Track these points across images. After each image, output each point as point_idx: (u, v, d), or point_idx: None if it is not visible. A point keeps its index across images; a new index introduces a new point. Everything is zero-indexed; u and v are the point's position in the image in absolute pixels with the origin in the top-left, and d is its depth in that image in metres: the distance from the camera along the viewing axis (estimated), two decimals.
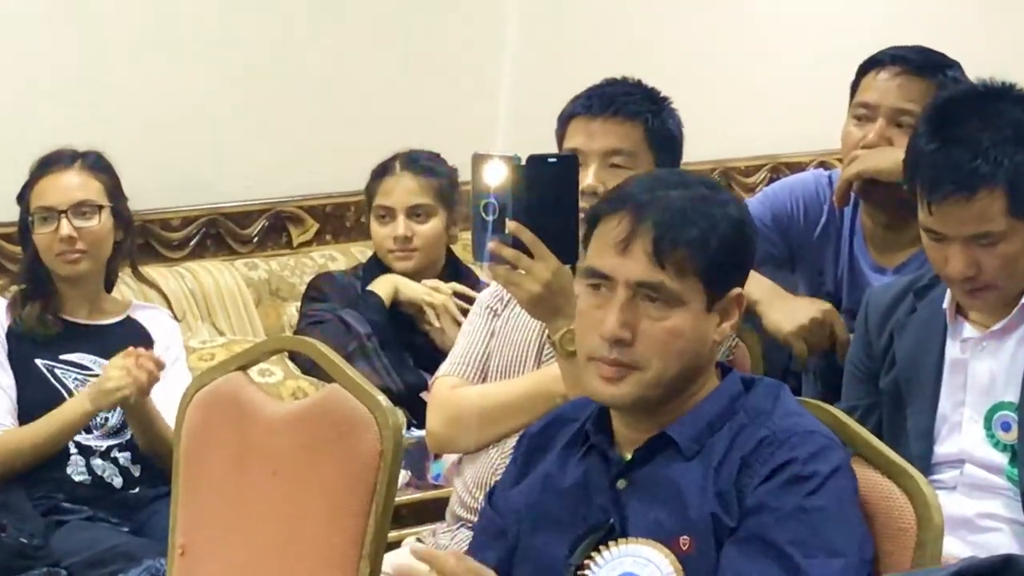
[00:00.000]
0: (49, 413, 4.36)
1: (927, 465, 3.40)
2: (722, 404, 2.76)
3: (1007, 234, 3.34)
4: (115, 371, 4.29)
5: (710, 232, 2.73)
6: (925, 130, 3.48)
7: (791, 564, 2.56)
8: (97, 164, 4.61)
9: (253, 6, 5.93)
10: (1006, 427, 3.46)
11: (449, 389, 3.73)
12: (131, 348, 4.34)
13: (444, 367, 3.83)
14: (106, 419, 4.45)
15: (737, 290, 2.80)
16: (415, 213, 5.00)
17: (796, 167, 5.28)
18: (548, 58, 6.12)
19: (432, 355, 4.34)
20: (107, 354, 4.43)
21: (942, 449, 3.51)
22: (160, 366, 4.33)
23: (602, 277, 2.72)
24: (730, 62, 6.79)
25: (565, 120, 3.79)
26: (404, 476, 3.88)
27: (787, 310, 4.02)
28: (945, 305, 3.51)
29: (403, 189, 5.04)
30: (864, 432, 2.87)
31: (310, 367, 4.24)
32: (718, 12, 7.00)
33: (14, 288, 4.64)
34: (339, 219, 5.69)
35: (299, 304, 5.09)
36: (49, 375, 4.46)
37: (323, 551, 3.25)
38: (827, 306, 4.09)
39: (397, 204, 5.01)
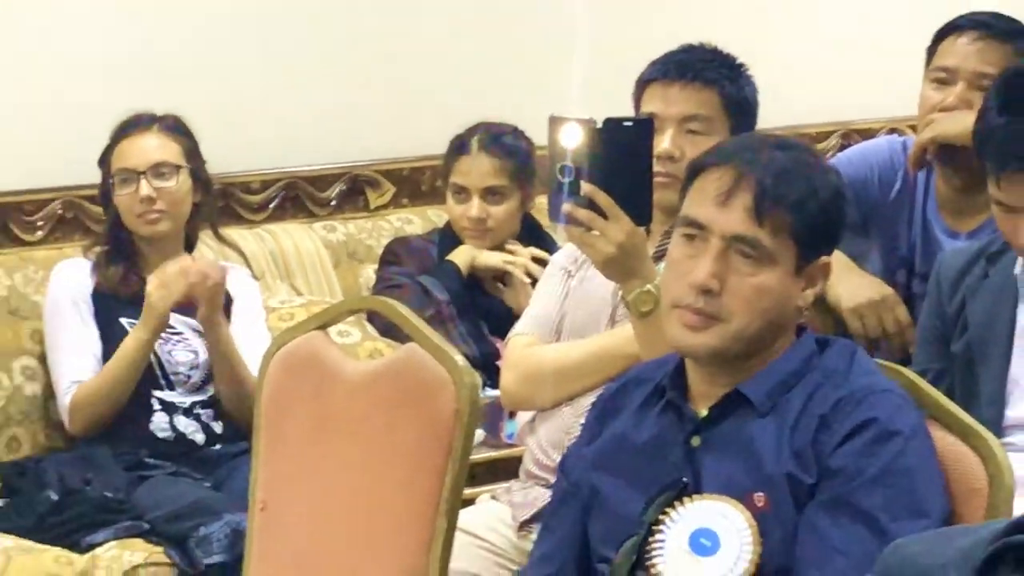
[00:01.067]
0: (111, 360, 4.49)
1: (998, 428, 3.38)
2: (796, 363, 2.76)
3: None
4: (152, 287, 4.39)
5: (810, 196, 2.74)
6: (995, 103, 3.53)
7: (878, 528, 2.57)
8: (175, 127, 4.66)
9: None
10: None
11: (524, 347, 3.75)
12: (163, 264, 4.47)
13: (519, 326, 3.85)
14: (189, 376, 4.53)
15: (825, 258, 2.81)
16: (491, 193, 5.01)
17: (867, 134, 5.26)
18: (622, 22, 6.02)
19: (506, 323, 4.24)
20: (188, 312, 4.55)
21: (1013, 412, 3.50)
22: (208, 276, 4.43)
23: (698, 227, 2.72)
24: (803, 27, 6.69)
25: (642, 85, 3.78)
26: (479, 435, 3.75)
27: (852, 287, 4.03)
28: (1017, 271, 3.54)
29: (479, 171, 5.01)
30: (936, 394, 2.85)
31: (386, 329, 4.28)
32: None
33: (98, 249, 4.64)
34: (415, 183, 5.65)
35: (376, 267, 5.11)
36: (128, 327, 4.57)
37: (400, 508, 3.24)
38: (889, 291, 4.11)
39: (472, 185, 5.01)
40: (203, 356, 4.57)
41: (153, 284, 4.43)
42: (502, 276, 4.95)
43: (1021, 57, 3.88)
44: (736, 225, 2.69)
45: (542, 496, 3.30)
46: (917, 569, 2.11)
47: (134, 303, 4.50)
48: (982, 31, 4.25)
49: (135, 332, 4.47)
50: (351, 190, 5.60)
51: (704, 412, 2.74)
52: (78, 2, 5.36)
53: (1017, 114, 3.46)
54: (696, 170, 2.79)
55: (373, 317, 4.30)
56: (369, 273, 5.17)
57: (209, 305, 4.44)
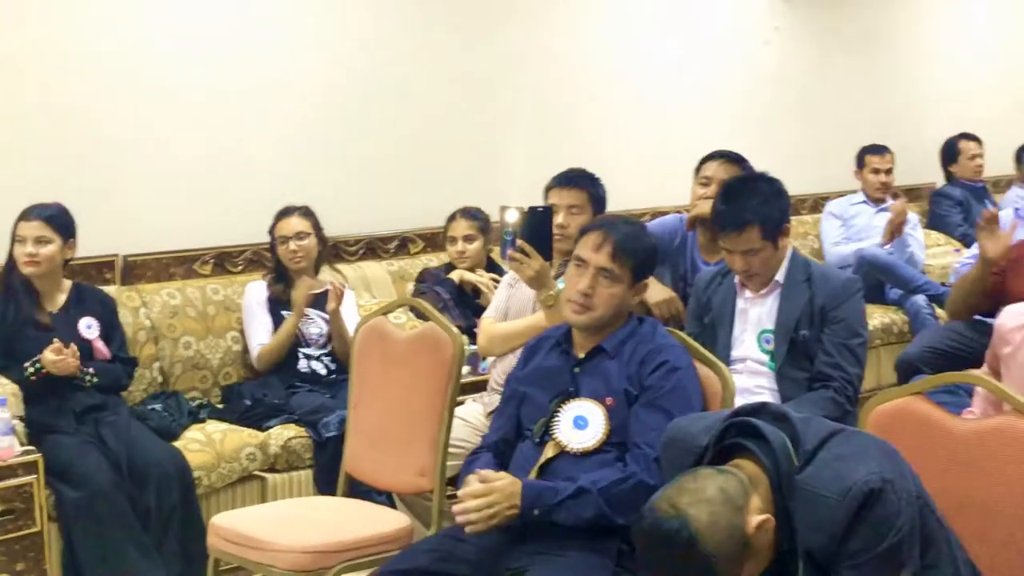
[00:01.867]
0: (277, 332, 4.64)
1: (728, 361, 3.64)
2: (628, 331, 3.04)
3: (760, 249, 3.63)
4: (295, 296, 4.61)
5: (641, 248, 3.06)
6: (720, 197, 3.77)
7: (670, 416, 2.75)
8: (307, 212, 4.76)
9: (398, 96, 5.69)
10: (767, 341, 3.73)
11: (488, 325, 3.99)
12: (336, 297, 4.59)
13: (486, 314, 4.10)
14: (317, 339, 4.68)
15: (645, 281, 3.14)
16: (467, 240, 5.12)
17: (663, 212, 5.25)
18: (540, 151, 5.87)
19: (480, 311, 4.38)
20: (319, 307, 4.70)
21: (735, 353, 3.78)
22: (341, 294, 4.62)
23: (583, 261, 3.00)
24: (630, 142, 6.42)
25: (547, 190, 4.04)
26: (466, 369, 3.97)
27: (656, 292, 4.12)
28: (736, 281, 3.79)
29: (461, 228, 5.15)
30: (697, 345, 3.19)
31: (419, 315, 4.22)
32: (626, 108, 6.60)
33: (269, 277, 4.75)
34: (433, 239, 5.63)
35: (414, 283, 5.21)
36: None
37: (423, 405, 3.51)
38: (674, 294, 4.22)
39: (457, 235, 5.14)
40: (325, 329, 4.67)
41: (296, 295, 4.60)
42: (476, 286, 4.97)
43: (764, 197, 3.70)
44: (603, 262, 2.98)
45: (498, 399, 3.37)
46: (686, 432, 2.37)
47: (288, 304, 4.66)
48: (724, 159, 4.40)
49: (289, 319, 4.62)
50: (401, 244, 5.66)
51: (581, 355, 3.04)
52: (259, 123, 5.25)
53: (728, 204, 3.68)
54: (583, 232, 3.10)
55: (412, 309, 4.32)
56: (410, 286, 5.25)
57: (335, 301, 4.57)
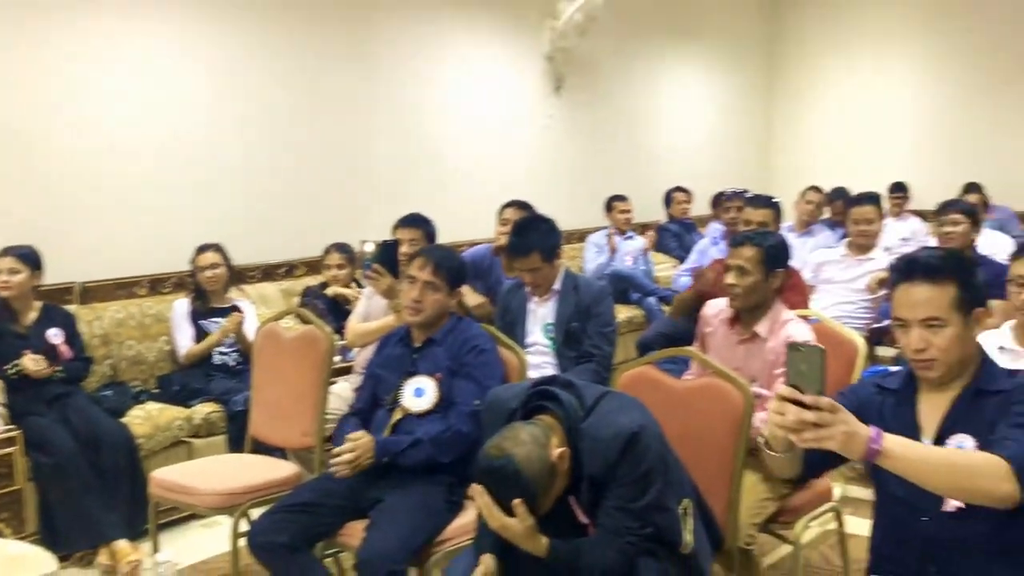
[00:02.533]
0: (204, 341, 4.42)
1: (523, 346, 3.56)
2: (450, 326, 2.98)
3: (541, 268, 3.64)
4: (227, 326, 4.41)
5: (456, 265, 3.02)
6: (513, 232, 3.77)
7: (481, 385, 2.77)
8: (219, 248, 4.55)
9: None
10: (550, 331, 3.68)
11: (354, 325, 3.86)
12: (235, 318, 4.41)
13: (352, 318, 3.96)
14: (229, 340, 4.45)
15: (459, 288, 3.08)
16: (339, 267, 4.89)
17: (478, 242, 4.93)
18: (394, 194, 5.51)
19: (347, 315, 4.18)
20: (224, 318, 4.46)
21: (528, 340, 3.70)
22: (239, 323, 4.40)
23: (413, 278, 2.94)
24: (457, 190, 6.28)
25: (395, 227, 3.97)
26: (338, 358, 3.89)
27: (472, 298, 4.05)
28: (527, 291, 3.75)
29: (334, 258, 4.91)
30: (497, 331, 3.17)
31: (303, 320, 3.63)
32: (452, 165, 6.40)
33: (191, 295, 4.54)
34: (314, 265, 5.32)
35: (299, 298, 4.92)
36: (207, 327, 4.45)
37: (306, 385, 3.41)
38: (485, 299, 4.17)
39: (331, 263, 4.90)
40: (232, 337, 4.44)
41: (227, 323, 4.40)
42: (345, 298, 4.75)
43: (543, 232, 3.70)
44: (427, 277, 2.93)
45: (361, 379, 3.31)
46: (500, 398, 2.32)
47: (205, 315, 4.47)
48: (517, 206, 4.44)
49: (214, 335, 4.42)
50: (289, 269, 5.45)
51: (418, 344, 2.97)
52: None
53: (518, 236, 3.70)
54: (412, 258, 3.06)
55: (297, 316, 3.86)
56: (296, 300, 4.94)
57: (231, 323, 4.38)
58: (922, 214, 7.26)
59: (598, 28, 6.96)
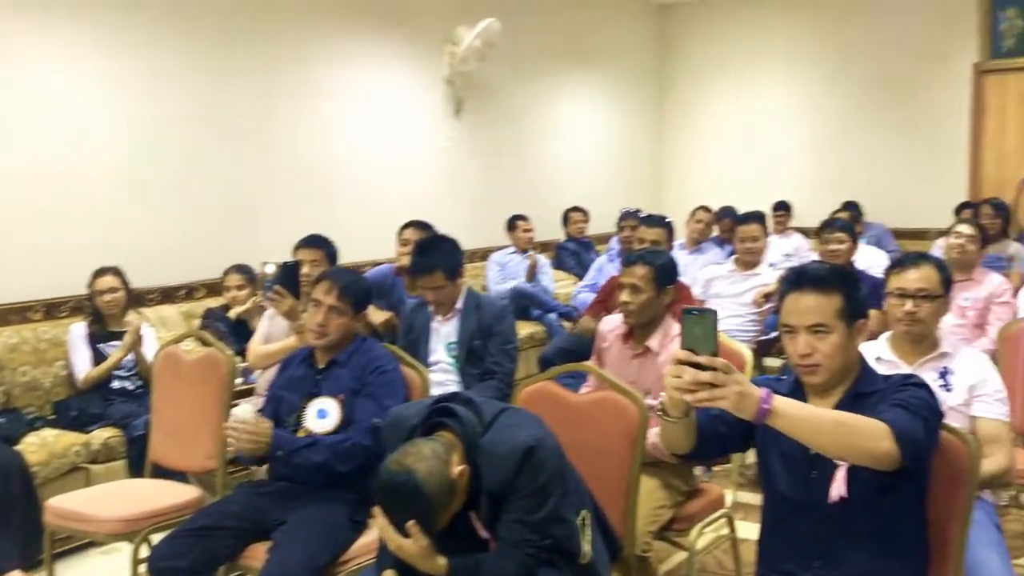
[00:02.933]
0: (103, 363, 4.30)
1: (427, 365, 3.55)
2: (355, 347, 2.95)
3: (444, 286, 3.60)
4: (127, 338, 4.29)
5: (360, 289, 3.01)
6: (415, 251, 3.73)
7: (381, 404, 2.76)
8: (117, 271, 4.47)
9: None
10: (453, 349, 3.65)
11: (255, 347, 3.83)
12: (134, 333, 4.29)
13: (253, 339, 3.92)
14: (127, 364, 4.36)
15: (364, 312, 3.05)
16: (239, 288, 4.87)
17: (380, 262, 5.05)
18: (294, 216, 5.27)
19: (249, 336, 4.12)
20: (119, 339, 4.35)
21: (432, 359, 3.67)
22: (140, 338, 4.31)
23: (319, 302, 2.93)
24: (357, 211, 6.18)
25: (296, 248, 3.89)
26: (240, 379, 3.66)
27: (377, 315, 4.03)
28: (430, 310, 3.71)
29: (233, 279, 4.88)
30: (404, 354, 3.13)
31: (204, 343, 3.68)
32: (353, 186, 6.40)
33: (89, 319, 4.43)
34: (214, 286, 5.25)
35: (200, 320, 4.91)
36: (105, 352, 4.36)
37: (207, 408, 3.36)
38: (391, 315, 4.15)
39: (231, 284, 4.88)
40: (132, 356, 4.36)
41: (125, 341, 4.30)
42: (245, 318, 4.74)
43: (446, 251, 3.69)
44: (332, 301, 2.92)
45: (263, 401, 3.19)
46: (402, 416, 2.29)
47: (102, 339, 4.38)
48: (417, 226, 4.42)
49: (114, 355, 4.33)
50: (188, 291, 5.32)
51: (322, 366, 2.94)
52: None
53: (421, 255, 3.65)
54: (317, 280, 3.02)
55: (198, 339, 3.94)
56: (197, 322, 4.93)
57: (132, 336, 4.28)
58: (804, 231, 7.52)
59: (496, 53, 7.03)
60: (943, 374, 2.65)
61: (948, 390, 2.60)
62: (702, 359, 1.69)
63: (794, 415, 1.75)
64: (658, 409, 1.95)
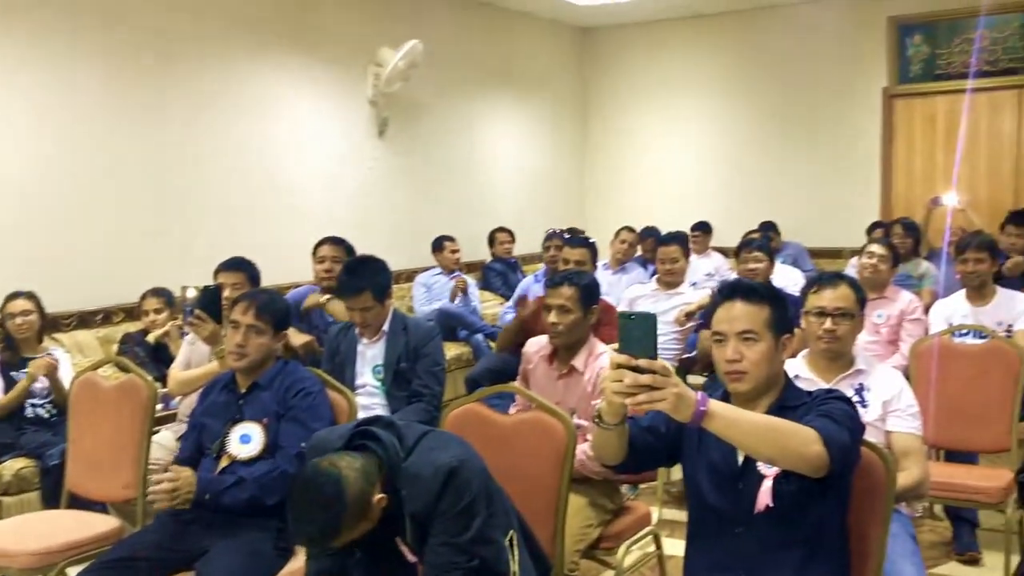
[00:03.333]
0: (11, 391, 4.21)
1: (353, 388, 3.53)
2: (276, 370, 2.90)
3: (372, 307, 3.60)
4: (36, 366, 4.20)
5: (277, 309, 2.97)
6: (344, 271, 3.72)
7: (306, 426, 2.73)
8: (31, 295, 4.37)
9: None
10: (379, 372, 3.63)
11: (176, 373, 3.76)
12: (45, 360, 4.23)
13: (174, 365, 3.85)
14: (42, 391, 4.27)
15: (285, 332, 3.00)
16: (157, 312, 4.75)
17: (300, 284, 4.88)
18: (215, 239, 5.25)
19: (169, 362, 4.04)
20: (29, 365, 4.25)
21: (358, 382, 3.64)
22: (53, 367, 4.22)
23: (236, 323, 2.89)
24: (280, 233, 5.99)
25: (216, 272, 3.89)
26: (160, 406, 3.56)
27: (297, 338, 3.95)
28: (356, 332, 3.69)
29: (152, 303, 4.78)
30: (329, 377, 3.07)
31: (122, 369, 3.59)
32: (276, 208, 6.39)
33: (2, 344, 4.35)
34: (131, 311, 5.16)
35: (118, 345, 4.80)
36: (18, 379, 4.24)
37: (127, 435, 3.29)
38: (311, 338, 4.09)
39: (149, 308, 4.78)
40: (46, 383, 4.26)
41: (32, 369, 4.21)
42: (165, 342, 4.61)
43: (375, 271, 3.69)
44: (250, 320, 2.88)
45: (185, 427, 3.20)
46: (325, 439, 2.26)
47: (15, 367, 4.29)
48: (333, 243, 4.40)
49: (20, 383, 4.22)
50: (106, 316, 5.23)
51: (244, 390, 2.90)
52: None
53: (350, 275, 3.64)
54: (236, 302, 2.98)
55: (117, 364, 3.78)
56: (115, 348, 4.81)
57: (42, 371, 4.20)
58: (724, 251, 7.67)
59: (420, 74, 7.05)
60: (859, 390, 2.71)
61: (864, 406, 2.66)
62: (641, 362, 1.71)
63: (729, 417, 1.79)
64: (594, 416, 1.96)
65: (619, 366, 1.73)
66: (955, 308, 4.31)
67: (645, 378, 1.71)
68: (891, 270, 4.54)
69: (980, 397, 3.53)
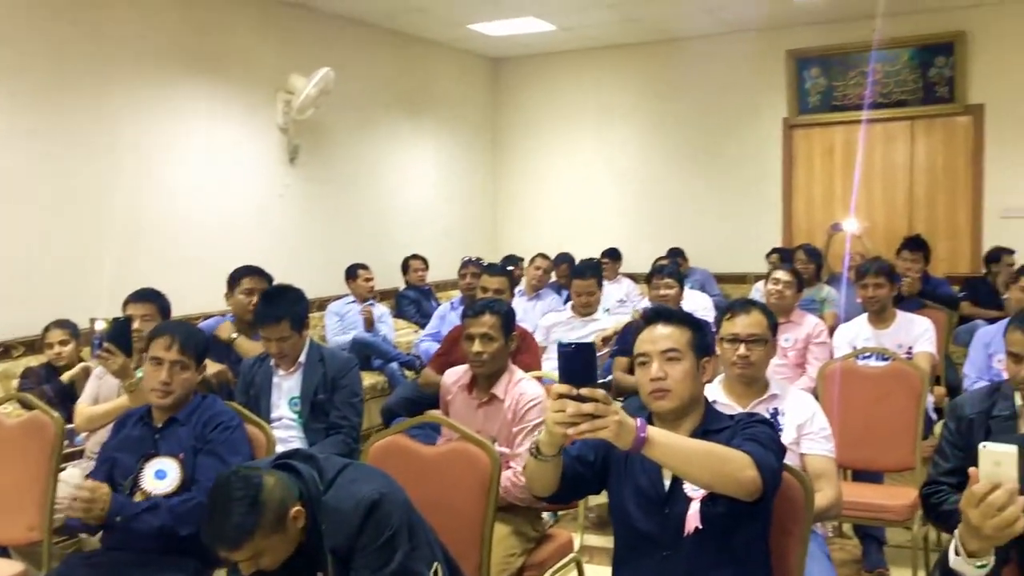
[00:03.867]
0: None
1: (269, 421, 3.45)
2: (196, 404, 2.88)
3: (289, 337, 3.54)
4: None
5: (199, 342, 2.94)
6: (261, 300, 3.68)
7: (224, 461, 2.67)
8: None
9: None
10: (296, 404, 3.56)
11: (83, 408, 3.67)
12: None
13: (81, 400, 3.75)
14: None
15: (204, 365, 2.96)
16: (62, 344, 4.63)
17: (212, 314, 4.85)
18: (123, 270, 5.33)
19: (76, 397, 3.93)
20: None
21: (274, 415, 3.56)
22: None
23: (158, 360, 2.84)
24: (190, 263, 5.95)
25: (125, 303, 3.79)
26: (67, 443, 3.47)
27: (210, 368, 3.54)
28: (272, 364, 3.61)
29: (56, 335, 4.64)
30: (246, 411, 2.98)
31: (26, 406, 3.49)
32: (186, 239, 6.23)
33: None
34: (33, 344, 4.98)
35: (19, 380, 4.66)
36: None
37: (31, 474, 3.15)
38: (223, 367, 3.93)
39: (54, 341, 4.65)
40: None
41: None
42: (72, 379, 4.46)
43: (292, 300, 3.62)
44: (174, 356, 2.83)
45: (93, 464, 3.04)
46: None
47: None
48: (254, 275, 4.32)
49: None
50: (5, 350, 5.01)
51: (160, 424, 2.84)
52: None
53: (267, 304, 3.58)
54: (154, 335, 2.92)
55: (20, 401, 3.64)
56: (15, 383, 4.67)
57: None
58: (634, 276, 7.80)
59: (331, 101, 7.00)
60: (774, 415, 2.78)
61: (779, 430, 2.70)
62: (583, 391, 1.72)
63: (668, 443, 1.82)
64: (531, 449, 1.97)
65: (560, 396, 1.74)
66: (858, 331, 4.48)
67: (588, 407, 1.72)
68: (796, 295, 4.72)
69: (884, 418, 3.63)
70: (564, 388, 1.74)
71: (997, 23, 7.52)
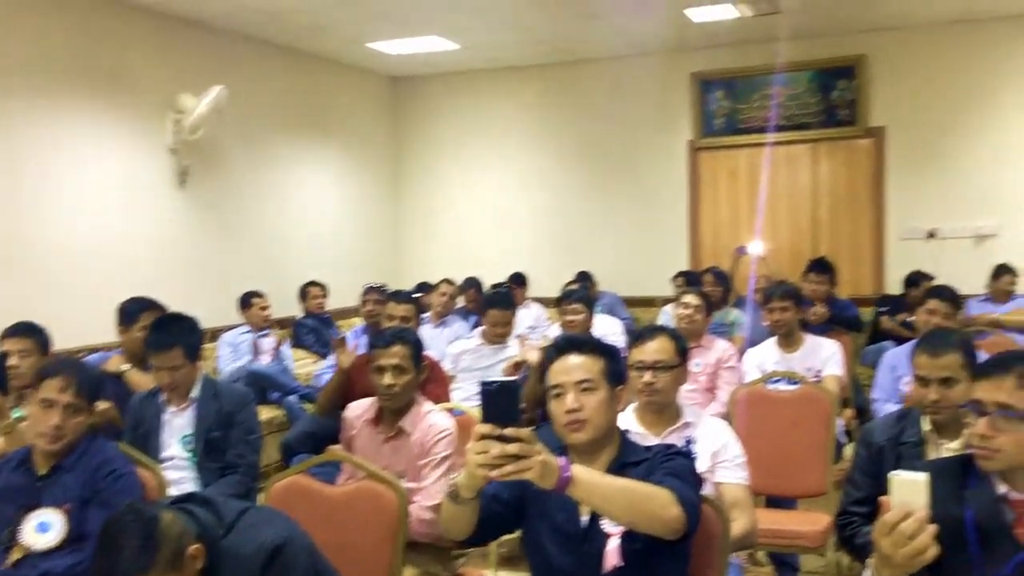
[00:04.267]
0: None
1: (159, 461, 3.30)
2: (84, 447, 2.74)
3: (182, 366, 3.42)
4: None
5: (96, 381, 2.84)
6: (152, 328, 3.56)
7: (116, 509, 2.52)
8: None
9: None
10: (189, 443, 3.43)
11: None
12: None
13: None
14: None
15: (96, 406, 2.83)
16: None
17: (100, 348, 4.46)
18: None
19: None
20: None
21: (165, 454, 3.40)
22: None
23: (50, 402, 2.69)
24: (76, 293, 5.84)
25: (1, 338, 3.67)
26: None
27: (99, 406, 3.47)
28: (161, 400, 3.49)
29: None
30: (137, 453, 2.92)
31: None
32: (74, 267, 6.14)
33: None
34: None
35: None
36: None
37: None
38: (108, 404, 3.59)
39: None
40: None
41: None
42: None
43: (185, 328, 3.56)
44: (69, 399, 2.69)
45: None
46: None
47: None
48: (149, 308, 4.14)
49: None
50: None
51: (44, 472, 2.69)
52: None
53: (159, 332, 3.49)
54: (45, 375, 2.78)
55: None
56: None
57: None
58: (543, 301, 7.85)
59: (225, 121, 6.90)
60: (688, 443, 2.80)
61: (693, 458, 2.75)
62: (507, 432, 1.71)
63: (592, 482, 1.82)
64: (448, 492, 1.95)
65: (484, 436, 1.73)
66: (766, 355, 4.59)
67: (513, 447, 1.71)
68: (706, 319, 4.80)
69: (796, 442, 3.70)
70: (487, 428, 1.73)
71: (897, 47, 7.84)
